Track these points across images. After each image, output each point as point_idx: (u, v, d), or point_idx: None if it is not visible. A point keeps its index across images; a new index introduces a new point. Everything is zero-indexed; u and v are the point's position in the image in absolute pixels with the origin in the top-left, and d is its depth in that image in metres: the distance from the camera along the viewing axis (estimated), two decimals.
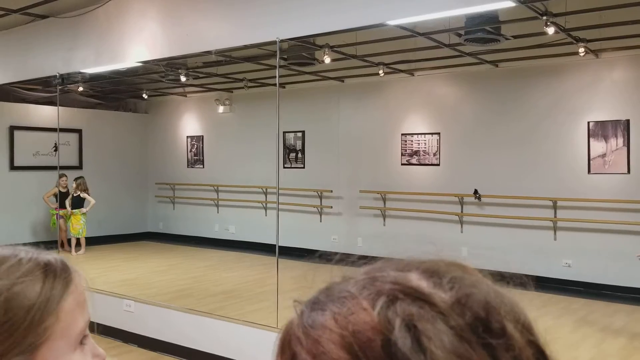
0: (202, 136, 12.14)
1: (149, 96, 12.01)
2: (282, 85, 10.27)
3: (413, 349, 0.47)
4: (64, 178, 10.29)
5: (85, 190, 10.27)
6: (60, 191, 10.16)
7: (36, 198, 10.58)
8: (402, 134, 9.47)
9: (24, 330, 0.72)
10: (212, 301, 6.79)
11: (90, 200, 10.18)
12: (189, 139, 12.35)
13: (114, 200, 12.24)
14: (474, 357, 0.47)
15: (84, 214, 10.14)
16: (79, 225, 10.10)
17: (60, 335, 0.75)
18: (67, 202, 10.08)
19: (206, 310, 5.97)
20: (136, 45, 6.68)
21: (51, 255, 0.82)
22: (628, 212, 7.49)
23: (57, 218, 10.13)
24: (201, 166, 12.10)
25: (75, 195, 10.13)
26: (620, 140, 7.58)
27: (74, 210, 10.04)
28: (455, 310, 0.49)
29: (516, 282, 0.62)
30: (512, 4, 4.52)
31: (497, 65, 8.43)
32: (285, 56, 7.71)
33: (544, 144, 8.16)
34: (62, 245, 10.22)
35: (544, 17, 5.61)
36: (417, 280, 0.53)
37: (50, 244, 9.34)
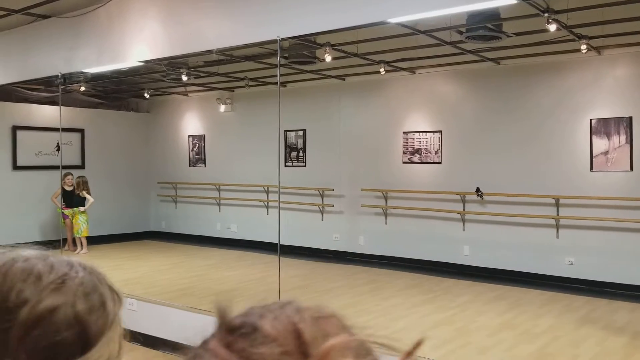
0: (204, 135, 12.14)
1: (150, 95, 12.02)
2: (283, 83, 10.26)
3: None
4: (69, 177, 10.33)
5: (87, 189, 10.27)
6: (65, 189, 10.17)
7: (39, 197, 10.60)
8: (404, 132, 9.47)
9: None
10: (214, 300, 6.79)
11: (89, 199, 10.21)
12: (191, 138, 12.36)
13: (116, 199, 12.26)
14: None
15: (83, 212, 10.14)
16: (77, 225, 10.11)
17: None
18: (59, 200, 10.10)
19: (208, 308, 5.97)
20: (137, 45, 6.69)
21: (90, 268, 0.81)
22: (631, 209, 7.48)
23: (63, 217, 10.15)
24: (203, 165, 12.11)
25: (76, 194, 10.17)
26: (623, 138, 7.56)
27: (74, 209, 10.08)
28: None
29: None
30: (514, 1, 4.52)
31: (498, 63, 8.41)
32: (286, 55, 7.71)
33: (546, 141, 8.15)
34: (69, 244, 10.31)
35: (546, 14, 5.60)
36: None
37: (52, 243, 9.37)
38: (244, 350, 0.54)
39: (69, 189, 10.25)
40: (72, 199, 10.13)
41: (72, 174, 10.39)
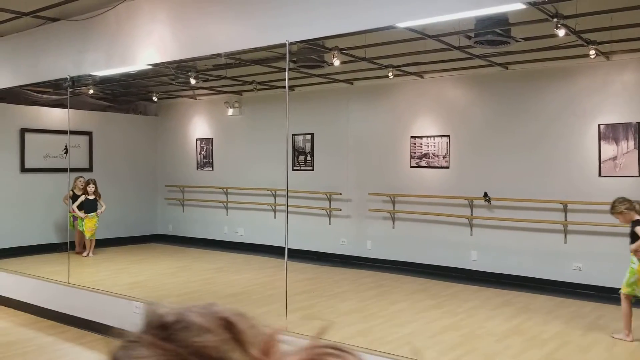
0: (212, 139, 12.17)
1: (159, 99, 12.06)
2: (291, 87, 10.28)
3: None
4: (80, 179, 10.28)
5: (98, 193, 10.23)
6: (75, 193, 10.12)
7: (47, 200, 10.64)
8: (412, 137, 9.45)
9: None
10: (221, 303, 6.76)
11: (102, 204, 10.14)
12: (199, 142, 12.39)
13: (123, 202, 12.28)
14: None
15: (97, 216, 10.09)
16: (93, 228, 10.05)
17: None
18: (75, 205, 9.98)
19: None
20: (146, 48, 6.71)
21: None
22: None
23: (73, 220, 10.16)
24: (210, 168, 12.13)
25: (90, 198, 10.02)
26: (632, 143, 7.52)
27: (89, 214, 9.94)
28: None
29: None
30: (522, 6, 4.50)
31: (507, 68, 8.40)
32: (295, 59, 7.71)
33: (555, 146, 8.12)
34: (78, 247, 10.27)
35: (555, 20, 5.59)
36: None
37: (60, 246, 9.40)
38: (184, 341, 0.59)
39: (79, 193, 10.19)
40: (84, 203, 10.04)
41: (84, 177, 10.38)
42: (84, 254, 10.03)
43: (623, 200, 5.48)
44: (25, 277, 7.97)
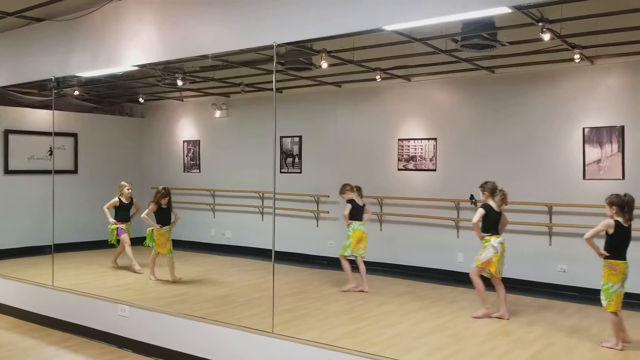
0: (199, 141, 12.13)
1: (145, 100, 12.00)
2: (279, 90, 10.29)
3: None
4: (128, 187, 9.25)
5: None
6: (122, 202, 9.20)
7: (31, 202, 10.54)
8: (399, 139, 9.49)
9: None
10: (207, 306, 6.77)
11: (175, 214, 8.44)
12: (186, 144, 12.35)
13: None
14: None
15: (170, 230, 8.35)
16: (167, 243, 8.28)
17: None
18: (145, 214, 8.26)
19: (201, 315, 5.95)
20: (132, 49, 6.68)
21: None
22: None
23: (118, 233, 9.11)
24: (197, 171, 12.09)
25: (164, 207, 8.26)
26: (615, 146, 7.61)
27: (163, 228, 8.21)
28: None
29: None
30: (508, 10, 4.54)
31: (493, 71, 8.46)
32: (283, 61, 7.72)
33: (540, 149, 8.18)
34: (114, 262, 9.39)
35: (540, 24, 5.65)
36: None
37: (44, 248, 9.29)
38: None
39: (127, 202, 9.26)
40: (157, 214, 8.28)
41: (130, 184, 9.35)
42: (135, 267, 8.80)
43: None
44: (9, 279, 7.89)
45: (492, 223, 6.46)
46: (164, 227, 8.19)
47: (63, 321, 6.92)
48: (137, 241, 9.34)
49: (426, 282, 8.41)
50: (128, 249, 9.08)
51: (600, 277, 5.52)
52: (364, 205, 7.96)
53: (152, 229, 8.22)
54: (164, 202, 8.20)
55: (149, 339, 6.02)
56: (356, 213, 7.76)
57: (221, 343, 5.49)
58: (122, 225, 9.17)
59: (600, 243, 5.56)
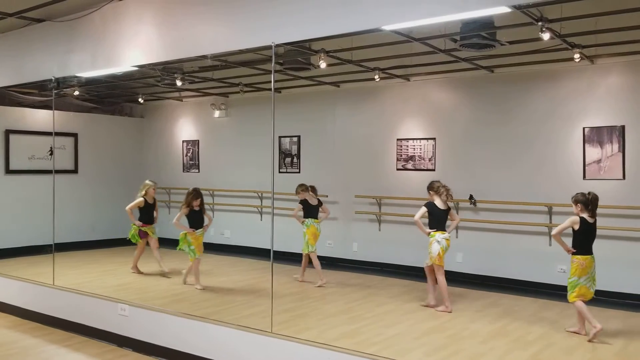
0: (198, 141, 12.14)
1: (144, 100, 12.02)
2: (277, 90, 10.29)
3: None
4: (153, 186, 8.87)
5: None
6: (147, 202, 8.79)
7: (32, 201, 10.54)
8: (398, 139, 9.49)
9: None
10: (206, 306, 6.78)
11: (208, 217, 8.05)
12: (185, 144, 12.36)
13: (109, 204, 12.20)
14: None
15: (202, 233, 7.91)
16: (200, 247, 7.88)
17: None
18: (177, 218, 7.78)
19: (201, 314, 5.95)
20: (132, 49, 6.68)
21: None
22: (623, 218, 7.51)
23: (140, 235, 8.75)
24: (197, 170, 12.10)
25: (196, 210, 7.85)
26: (616, 146, 7.61)
27: (197, 231, 7.78)
28: None
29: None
30: (508, 10, 4.53)
31: (492, 71, 8.46)
32: (281, 61, 7.72)
33: (540, 149, 8.18)
34: (135, 267, 8.91)
35: (540, 23, 5.64)
36: None
37: (44, 248, 9.30)
38: None
39: (151, 202, 8.86)
40: (189, 216, 7.84)
41: (156, 183, 9.00)
42: (198, 286, 7.73)
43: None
44: (10, 279, 7.90)
45: (436, 220, 6.86)
46: (197, 231, 7.75)
47: (64, 320, 6.93)
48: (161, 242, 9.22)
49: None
50: (156, 252, 8.79)
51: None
52: (321, 204, 8.29)
53: (185, 233, 7.73)
54: (195, 204, 7.78)
55: (149, 338, 6.02)
56: (310, 211, 8.18)
57: (220, 342, 5.50)
58: (145, 228, 8.75)
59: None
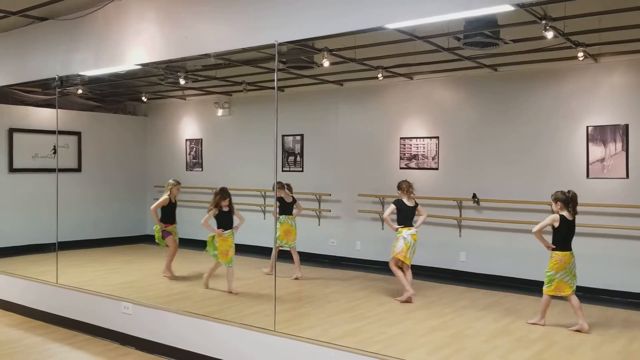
0: (201, 139, 12.15)
1: (148, 99, 12.03)
2: (281, 88, 10.29)
3: None
4: (177, 186, 8.60)
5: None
6: (171, 201, 8.50)
7: (35, 200, 10.57)
8: (401, 138, 9.48)
9: None
10: (210, 304, 6.79)
11: (239, 217, 7.69)
12: (188, 142, 12.37)
13: (113, 203, 12.25)
14: None
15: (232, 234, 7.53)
16: (229, 250, 7.46)
17: None
18: (207, 219, 7.41)
19: (204, 313, 5.96)
20: (135, 48, 6.69)
21: None
22: (626, 216, 7.49)
23: (163, 236, 8.41)
24: (200, 169, 12.11)
25: (225, 210, 7.49)
26: (619, 145, 7.59)
27: (225, 232, 7.41)
28: None
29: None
30: (511, 8, 4.52)
31: (496, 70, 8.44)
32: (284, 59, 7.72)
33: (543, 148, 8.17)
34: (167, 269, 8.49)
35: (543, 22, 5.63)
36: None
37: (48, 246, 9.32)
38: None
39: (173, 201, 8.56)
40: (218, 217, 7.49)
41: (179, 182, 8.70)
42: (230, 288, 7.41)
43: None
44: (13, 277, 7.92)
45: (403, 217, 7.24)
46: (226, 232, 7.36)
47: (67, 318, 6.95)
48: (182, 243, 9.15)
49: (428, 281, 8.41)
50: (170, 256, 8.51)
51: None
52: (295, 201, 8.59)
53: (213, 235, 7.39)
54: (224, 204, 7.41)
55: (152, 336, 6.03)
56: (285, 208, 8.45)
57: (223, 341, 5.50)
58: (169, 228, 8.46)
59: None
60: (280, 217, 8.42)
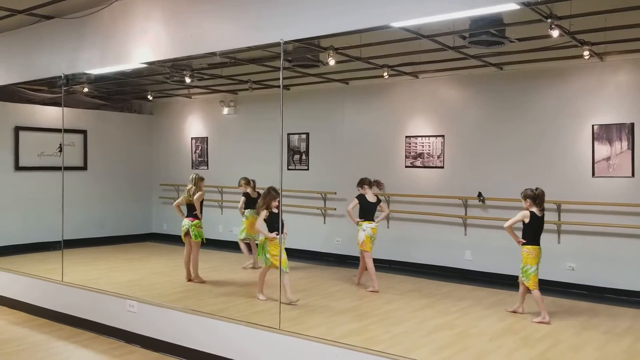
0: (207, 137, 12.16)
1: (153, 97, 12.05)
2: (286, 87, 10.29)
3: None
4: (250, 184, 8.90)
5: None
6: (250, 196, 8.82)
7: (41, 198, 10.61)
8: (407, 136, 9.47)
9: None
10: (215, 302, 6.80)
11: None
12: (194, 141, 12.39)
13: (118, 201, 12.29)
14: None
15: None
16: (284, 254, 6.71)
17: None
18: (260, 222, 6.84)
19: (209, 311, 5.98)
20: (141, 46, 6.70)
21: None
22: (632, 215, 7.47)
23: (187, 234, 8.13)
24: (205, 167, 12.13)
25: (275, 212, 6.85)
26: (625, 144, 7.56)
27: (273, 238, 6.74)
28: None
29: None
30: (517, 7, 4.51)
31: (501, 68, 8.42)
32: (290, 58, 7.72)
33: (548, 146, 8.15)
34: (192, 272, 8.08)
35: (549, 20, 5.61)
36: None
37: (54, 244, 9.36)
38: None
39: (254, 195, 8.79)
40: (268, 220, 6.86)
41: (251, 180, 8.98)
42: (289, 299, 6.62)
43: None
44: (19, 275, 7.95)
45: (364, 211, 7.73)
46: (279, 236, 6.64)
47: (72, 316, 6.97)
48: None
49: (433, 280, 8.41)
50: (194, 256, 8.16)
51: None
52: (259, 196, 8.34)
53: (265, 239, 6.80)
54: (274, 205, 6.78)
55: (157, 334, 6.05)
56: (250, 203, 8.84)
57: (228, 339, 5.52)
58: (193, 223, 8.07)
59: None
60: (245, 211, 8.96)
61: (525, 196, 6.36)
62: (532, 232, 6.32)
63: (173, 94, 12.03)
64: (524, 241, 6.33)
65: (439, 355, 5.01)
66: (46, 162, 11.02)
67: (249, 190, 8.95)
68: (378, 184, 7.89)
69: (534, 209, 6.30)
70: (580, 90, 7.93)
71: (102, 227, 11.86)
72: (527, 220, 6.30)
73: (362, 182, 7.86)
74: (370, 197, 7.75)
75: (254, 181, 9.12)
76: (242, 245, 9.18)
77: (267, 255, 6.76)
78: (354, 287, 7.88)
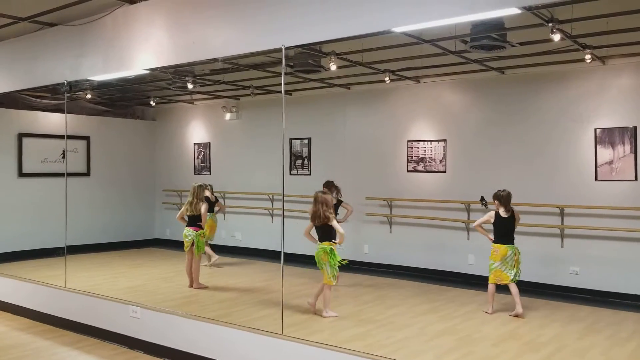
0: (209, 143, 12.18)
1: (156, 103, 12.08)
2: (288, 92, 10.32)
3: None
4: (209, 189, 9.14)
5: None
6: (209, 201, 8.90)
7: (45, 204, 10.63)
8: (409, 141, 9.48)
9: None
10: (217, 308, 6.80)
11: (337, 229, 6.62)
12: (196, 146, 12.41)
13: (121, 207, 12.31)
14: None
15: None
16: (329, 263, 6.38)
17: None
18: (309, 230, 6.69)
19: (212, 316, 5.97)
20: (143, 53, 6.72)
21: None
22: (635, 219, 7.45)
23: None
24: (208, 173, 12.14)
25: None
26: (628, 147, 7.55)
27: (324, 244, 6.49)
28: None
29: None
30: (518, 11, 4.51)
31: (503, 72, 8.43)
32: (292, 63, 7.73)
33: (551, 150, 8.14)
34: (193, 279, 8.02)
35: (550, 24, 5.62)
36: None
37: (57, 250, 9.38)
38: None
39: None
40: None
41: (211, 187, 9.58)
42: (330, 313, 6.35)
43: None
44: (22, 281, 7.96)
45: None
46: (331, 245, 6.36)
47: (76, 322, 6.98)
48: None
49: (436, 285, 8.40)
50: (197, 264, 8.09)
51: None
52: (217, 200, 9.91)
53: (331, 249, 6.43)
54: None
55: (160, 340, 6.05)
56: (209, 207, 9.13)
57: (231, 345, 5.51)
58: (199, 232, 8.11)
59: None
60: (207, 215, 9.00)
61: (494, 197, 6.75)
62: (497, 231, 6.68)
63: (175, 99, 12.06)
64: (492, 239, 6.73)
65: None
66: (49, 168, 11.05)
67: (208, 194, 9.14)
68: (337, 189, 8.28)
69: (501, 210, 6.65)
70: (582, 94, 7.93)
71: (106, 233, 11.87)
72: (492, 221, 6.72)
73: (327, 185, 8.13)
74: (333, 199, 7.75)
75: (211, 186, 9.74)
76: (207, 248, 9.40)
77: (330, 268, 6.33)
78: (356, 292, 7.87)
